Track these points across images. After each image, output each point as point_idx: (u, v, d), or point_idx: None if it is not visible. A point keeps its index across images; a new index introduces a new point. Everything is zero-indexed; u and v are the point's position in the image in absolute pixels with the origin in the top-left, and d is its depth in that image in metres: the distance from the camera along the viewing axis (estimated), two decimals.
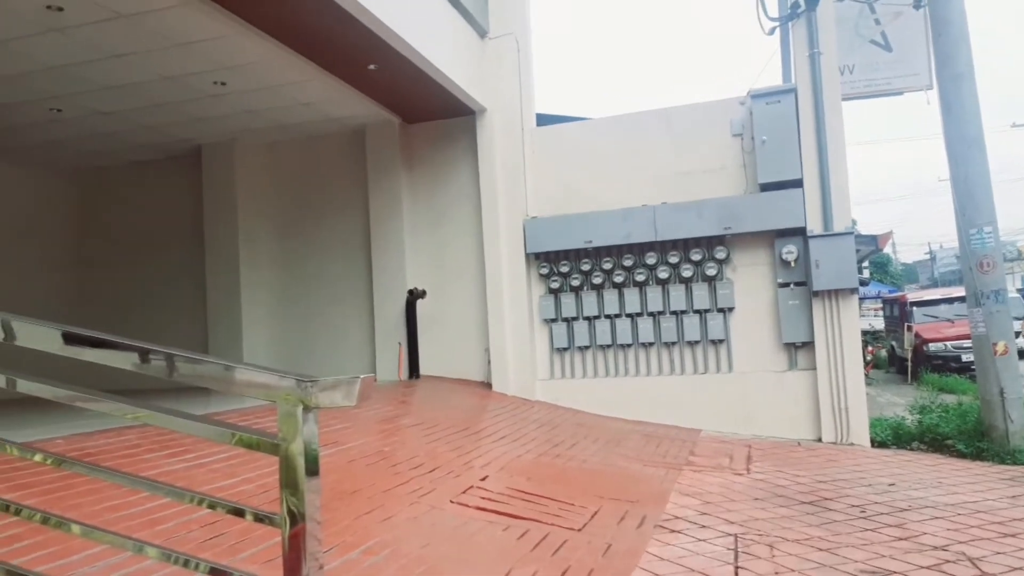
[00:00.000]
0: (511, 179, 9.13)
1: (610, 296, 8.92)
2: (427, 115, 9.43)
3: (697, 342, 8.63)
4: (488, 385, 8.98)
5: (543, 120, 9.67)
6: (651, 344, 8.79)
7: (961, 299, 10.17)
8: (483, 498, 4.45)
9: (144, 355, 1.89)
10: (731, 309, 8.56)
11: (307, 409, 1.81)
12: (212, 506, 2.05)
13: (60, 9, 5.94)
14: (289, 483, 1.82)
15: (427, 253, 9.58)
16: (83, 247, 11.09)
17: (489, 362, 9.03)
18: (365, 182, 9.76)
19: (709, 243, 8.60)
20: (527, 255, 9.08)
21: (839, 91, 8.28)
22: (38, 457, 2.22)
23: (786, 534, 4.35)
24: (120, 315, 10.35)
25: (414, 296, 9.28)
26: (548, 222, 9.00)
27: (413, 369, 9.24)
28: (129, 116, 8.64)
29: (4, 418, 5.79)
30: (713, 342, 8.58)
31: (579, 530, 4.12)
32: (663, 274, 8.71)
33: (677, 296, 8.69)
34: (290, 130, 9.69)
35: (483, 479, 4.87)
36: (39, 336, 1.99)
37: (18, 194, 10.35)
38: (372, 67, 7.66)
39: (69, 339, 1.94)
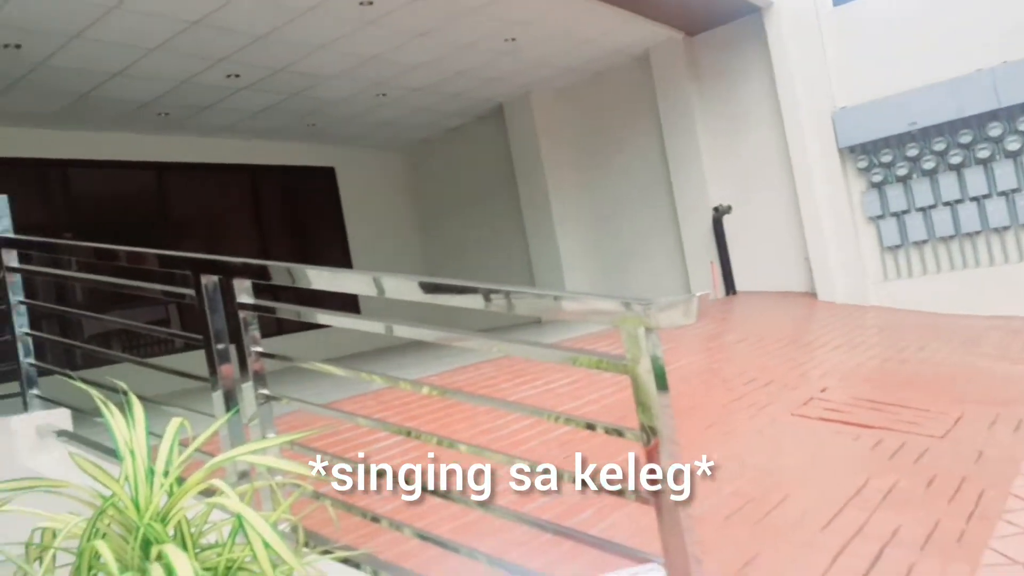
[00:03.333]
0: (811, 71, 8.41)
1: (947, 181, 7.89)
2: (709, 22, 9.01)
3: None
4: (812, 295, 8.52)
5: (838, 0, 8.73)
6: (1006, 228, 7.64)
7: None
8: (826, 409, 4.31)
9: (487, 295, 2.13)
10: None
11: (649, 330, 1.91)
12: (568, 422, 2.26)
13: (370, 3, 6.67)
14: (642, 401, 1.94)
15: (728, 166, 9.25)
16: (419, 210, 12.47)
17: (811, 270, 8.56)
18: (655, 106, 9.66)
19: None
20: (840, 150, 8.37)
21: None
22: (425, 390, 2.59)
23: None
24: (455, 264, 11.56)
25: (719, 213, 9.07)
26: (860, 110, 8.17)
27: (728, 286, 9.09)
28: (438, 88, 9.45)
29: (373, 363, 6.82)
30: None
31: (941, 437, 3.82)
32: (1013, 145, 7.48)
33: None
34: (578, 71, 9.89)
35: (823, 390, 4.70)
36: (403, 288, 2.31)
37: (365, 171, 11.91)
38: None
39: (427, 288, 2.24)
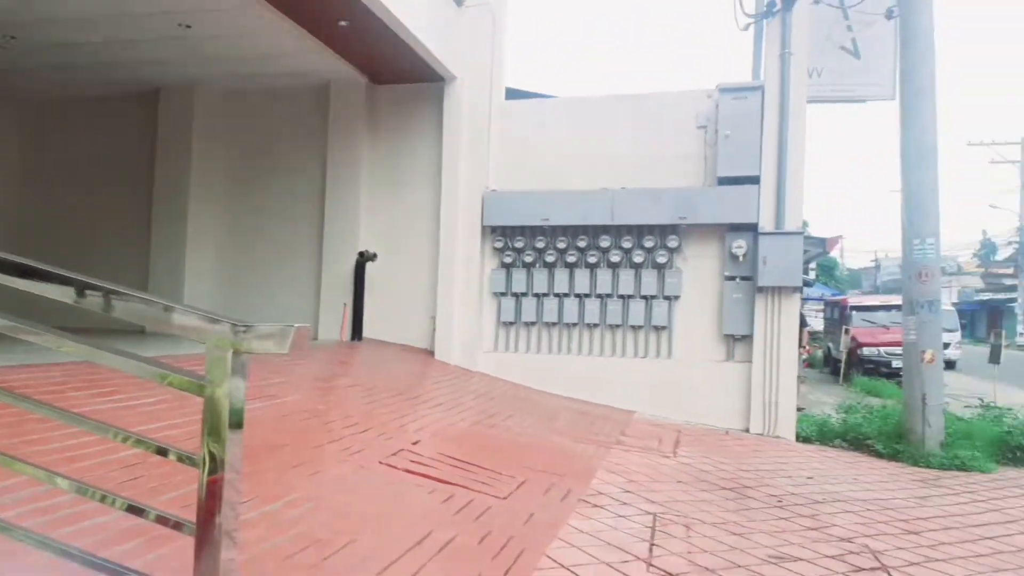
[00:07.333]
0: (475, 150, 9.10)
1: (561, 275, 9.00)
2: (395, 77, 9.33)
3: (641, 327, 8.77)
4: (431, 353, 9.01)
5: (511, 94, 9.64)
6: (596, 325, 8.91)
7: (899, 307, 10.61)
8: (412, 461, 4.51)
9: (81, 289, 1.85)
10: (677, 297, 8.71)
11: (237, 354, 1.81)
12: (137, 443, 2.02)
13: None
14: (212, 427, 1.82)
15: (382, 216, 9.52)
16: (29, 174, 10.72)
17: (434, 330, 9.06)
18: (325, 139, 9.64)
19: (663, 231, 8.71)
20: (483, 227, 9.10)
21: (805, 92, 8.38)
22: None
23: (704, 516, 4.50)
24: (61, 247, 10.07)
25: (364, 258, 9.23)
26: (507, 196, 9.02)
27: (356, 331, 9.22)
28: (88, 51, 8.38)
29: None
30: (656, 328, 8.73)
31: (504, 498, 4.20)
32: (615, 258, 8.81)
33: (626, 280, 8.81)
34: (253, 80, 9.51)
35: (415, 443, 4.92)
36: None
37: None
38: (343, 23, 7.55)
39: (7, 268, 1.87)
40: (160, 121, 9.93)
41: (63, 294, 1.86)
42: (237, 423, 1.83)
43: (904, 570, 3.80)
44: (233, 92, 9.93)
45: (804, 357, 15.14)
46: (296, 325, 1.78)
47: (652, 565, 3.55)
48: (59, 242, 10.14)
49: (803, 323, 14.78)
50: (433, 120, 9.33)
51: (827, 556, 3.92)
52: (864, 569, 3.76)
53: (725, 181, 8.45)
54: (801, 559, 3.83)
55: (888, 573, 3.73)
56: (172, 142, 9.87)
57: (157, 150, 9.95)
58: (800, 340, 13.76)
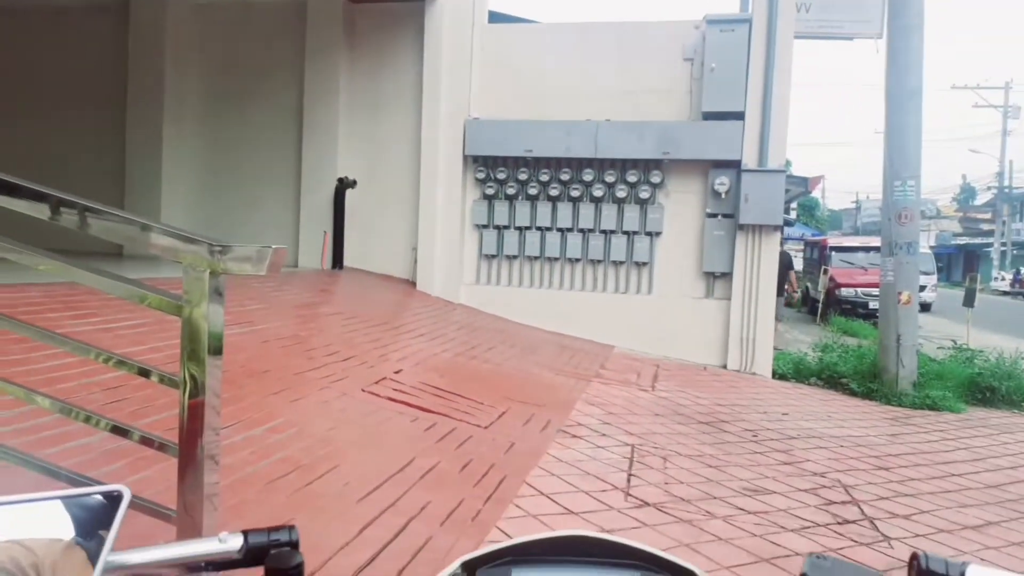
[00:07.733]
0: (456, 75, 8.85)
1: (543, 208, 8.91)
2: None
3: (622, 262, 8.75)
4: (412, 284, 8.96)
5: (494, 18, 9.33)
6: (577, 260, 8.88)
7: (877, 249, 10.64)
8: (395, 389, 4.51)
9: (56, 206, 1.79)
10: (658, 234, 8.67)
11: (215, 274, 1.77)
12: (119, 364, 1.99)
13: None
14: (191, 348, 1.78)
15: (361, 142, 9.31)
16: None
17: (416, 261, 8.98)
18: (302, 59, 9.33)
19: (646, 166, 8.61)
20: (465, 157, 8.92)
21: (793, 26, 8.22)
22: None
23: (680, 449, 4.57)
24: (27, 168, 9.76)
25: (344, 185, 9.07)
26: (490, 125, 8.83)
27: (337, 259, 9.11)
28: None
29: None
30: (637, 264, 8.72)
31: (485, 428, 4.23)
32: (598, 192, 8.72)
33: (609, 215, 8.74)
34: None
35: (397, 372, 4.92)
36: None
37: None
38: None
39: None
40: (131, 33, 9.54)
41: (37, 210, 1.80)
42: (216, 346, 1.80)
43: (875, 504, 3.90)
44: (207, 6, 9.54)
45: (789, 296, 15.30)
46: (273, 246, 1.74)
47: (630, 494, 3.60)
48: (25, 163, 9.82)
49: (790, 264, 14.89)
50: (414, 43, 9.03)
51: (801, 490, 4.01)
52: (836, 503, 3.85)
53: (710, 116, 8.32)
54: (775, 492, 3.91)
55: (859, 507, 3.83)
56: (144, 55, 9.50)
57: (130, 66, 9.58)
58: (788, 280, 13.91)
